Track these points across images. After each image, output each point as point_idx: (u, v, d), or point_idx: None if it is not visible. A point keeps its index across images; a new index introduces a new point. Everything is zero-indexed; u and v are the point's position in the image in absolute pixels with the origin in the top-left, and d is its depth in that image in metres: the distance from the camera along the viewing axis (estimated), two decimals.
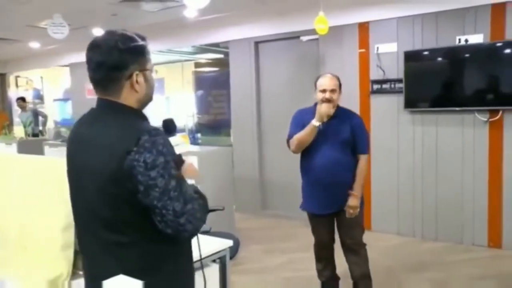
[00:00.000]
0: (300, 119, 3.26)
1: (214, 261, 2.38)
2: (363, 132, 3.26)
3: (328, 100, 3.09)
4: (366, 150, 3.25)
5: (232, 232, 4.49)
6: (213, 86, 7.83)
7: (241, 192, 6.35)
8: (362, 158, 3.22)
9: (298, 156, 5.71)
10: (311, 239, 3.45)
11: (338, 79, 3.24)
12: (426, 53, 4.87)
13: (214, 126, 8.01)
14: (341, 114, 3.20)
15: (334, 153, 3.12)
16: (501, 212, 4.57)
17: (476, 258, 4.41)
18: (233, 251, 3.38)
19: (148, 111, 1.71)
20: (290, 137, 3.28)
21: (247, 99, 6.26)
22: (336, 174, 3.11)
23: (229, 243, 2.37)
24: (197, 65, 9.71)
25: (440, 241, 4.85)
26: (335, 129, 3.13)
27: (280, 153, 6.02)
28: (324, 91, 3.12)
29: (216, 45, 6.73)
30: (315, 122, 3.05)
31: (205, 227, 3.45)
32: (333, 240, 3.37)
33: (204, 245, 2.25)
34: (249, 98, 6.23)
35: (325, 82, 3.16)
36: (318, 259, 3.43)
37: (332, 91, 3.13)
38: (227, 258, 2.38)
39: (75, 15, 5.60)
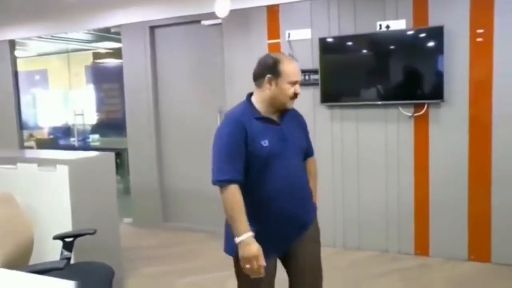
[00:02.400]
0: (239, 137, 2.17)
1: None
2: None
3: (296, 96, 2.25)
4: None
5: (117, 256, 3.77)
6: (107, 79, 6.96)
7: (139, 203, 5.59)
8: (313, 160, 2.55)
9: (201, 163, 5.06)
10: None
11: None
12: (343, 40, 4.41)
13: (112, 126, 7.15)
14: (293, 113, 2.38)
15: (299, 168, 2.33)
16: (428, 217, 4.23)
17: (405, 268, 4.03)
18: (102, 285, 2.66)
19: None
20: (223, 179, 2.17)
21: (142, 93, 5.48)
22: (303, 197, 2.33)
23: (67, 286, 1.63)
24: (96, 55, 8.79)
25: (364, 250, 4.44)
26: (294, 133, 2.31)
27: (182, 156, 5.37)
28: (295, 83, 2.21)
29: (108, 30, 5.88)
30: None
31: (57, 264, 2.69)
32: None
33: None
34: (145, 92, 5.46)
35: (296, 70, 2.24)
36: None
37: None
38: None
39: None
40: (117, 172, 7.42)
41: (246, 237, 2.05)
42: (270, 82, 2.19)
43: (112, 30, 5.77)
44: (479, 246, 4.08)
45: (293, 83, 2.20)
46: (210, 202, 5.21)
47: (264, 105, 2.24)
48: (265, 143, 2.17)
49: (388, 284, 3.73)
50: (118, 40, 5.83)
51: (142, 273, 4.10)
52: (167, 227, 5.42)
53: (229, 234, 2.17)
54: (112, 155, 4.09)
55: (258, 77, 2.23)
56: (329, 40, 4.43)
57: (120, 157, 6.82)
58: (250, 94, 2.30)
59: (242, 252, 2.05)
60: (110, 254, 3.58)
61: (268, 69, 2.19)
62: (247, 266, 2.07)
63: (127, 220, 5.67)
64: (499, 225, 3.99)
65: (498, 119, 3.93)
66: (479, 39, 3.94)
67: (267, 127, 2.22)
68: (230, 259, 2.29)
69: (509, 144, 3.91)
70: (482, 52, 3.94)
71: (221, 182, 2.13)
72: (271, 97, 2.21)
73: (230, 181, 2.12)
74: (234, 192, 2.11)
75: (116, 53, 6.98)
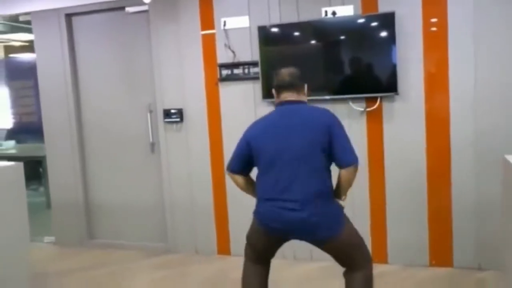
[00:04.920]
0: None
1: None
2: None
3: None
4: None
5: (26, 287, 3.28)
6: (21, 76, 6.29)
7: (61, 219, 5.04)
8: None
9: (131, 171, 4.75)
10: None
11: None
12: (285, 29, 4.08)
13: (29, 130, 6.51)
14: None
15: None
16: (384, 221, 4.01)
17: None
18: None
19: None
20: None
21: (61, 91, 4.91)
22: None
23: None
24: (8, 49, 8.03)
25: (316, 261, 4.13)
26: None
27: (109, 164, 4.89)
28: None
29: (17, 19, 5.25)
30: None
31: None
32: None
33: None
34: (64, 90, 4.90)
35: None
36: None
37: None
38: None
39: None
40: (40, 183, 6.85)
41: None
42: (306, 90, 2.67)
43: (21, 18, 5.16)
44: (441, 250, 3.90)
45: None
46: (141, 215, 4.79)
47: None
48: None
49: None
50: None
51: None
52: (93, 245, 4.93)
53: (338, 213, 2.59)
54: (20, 165, 3.57)
55: (297, 85, 2.63)
56: (270, 28, 4.10)
57: (42, 165, 6.23)
58: (298, 101, 2.62)
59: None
60: (17, 285, 3.11)
61: (303, 80, 2.64)
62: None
63: (49, 238, 5.13)
64: (461, 226, 3.83)
65: (456, 112, 3.74)
66: (433, 29, 3.74)
67: None
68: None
69: (469, 140, 3.73)
70: (436, 42, 3.74)
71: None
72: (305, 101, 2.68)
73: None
74: None
75: (30, 46, 6.39)
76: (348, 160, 2.46)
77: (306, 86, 2.66)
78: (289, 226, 2.48)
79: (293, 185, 2.44)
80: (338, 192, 2.59)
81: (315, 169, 2.45)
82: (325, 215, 2.47)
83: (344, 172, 2.48)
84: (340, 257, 2.61)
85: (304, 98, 2.65)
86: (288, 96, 2.60)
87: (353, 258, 2.58)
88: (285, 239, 2.66)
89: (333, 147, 2.44)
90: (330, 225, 2.48)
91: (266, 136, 2.55)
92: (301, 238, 2.58)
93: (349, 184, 2.54)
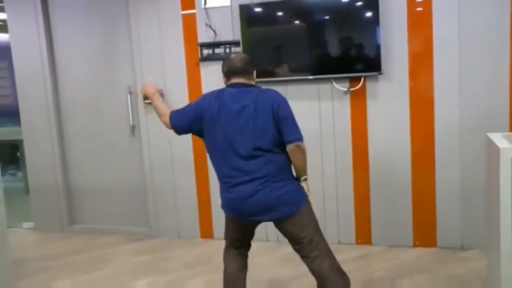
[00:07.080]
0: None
1: None
2: None
3: None
4: None
5: (4, 273, 3.26)
6: None
7: (40, 204, 5.00)
8: None
9: (112, 154, 4.60)
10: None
11: None
12: (268, 7, 4.04)
13: (4, 113, 6.39)
14: None
15: None
16: (368, 202, 4.05)
17: (344, 260, 3.75)
18: None
19: None
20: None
21: (37, 73, 4.82)
22: None
23: None
24: None
25: None
26: None
27: (89, 148, 4.84)
28: None
29: None
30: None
31: None
32: None
33: None
34: (40, 72, 4.82)
35: None
36: None
37: None
38: None
39: None
40: (18, 168, 6.76)
41: None
42: (255, 76, 2.74)
43: None
44: (424, 231, 3.97)
45: None
46: (122, 200, 4.78)
47: None
48: None
49: None
50: None
51: None
52: (74, 230, 4.92)
53: (298, 189, 2.63)
54: None
55: (248, 72, 2.69)
56: (252, 7, 4.06)
57: (20, 150, 6.15)
58: (249, 84, 2.67)
59: (309, 183, 2.69)
60: None
61: (253, 66, 2.73)
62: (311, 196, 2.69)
63: (28, 224, 5.10)
64: (444, 207, 3.89)
65: (441, 93, 3.77)
66: (418, 8, 3.74)
67: None
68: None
69: (453, 119, 3.77)
70: (421, 21, 3.75)
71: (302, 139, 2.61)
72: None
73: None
74: None
75: (5, 26, 6.21)
76: (290, 139, 2.54)
77: (255, 72, 2.73)
78: (252, 206, 2.55)
79: (249, 167, 2.53)
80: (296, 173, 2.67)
81: (272, 149, 2.55)
82: (285, 193, 2.55)
83: (288, 149, 2.56)
84: (299, 237, 2.62)
85: (253, 83, 2.71)
86: (239, 80, 2.66)
87: (312, 240, 2.62)
88: (256, 221, 2.71)
89: (280, 125, 2.54)
90: (290, 201, 2.57)
91: (219, 122, 2.59)
92: (265, 218, 2.62)
93: (298, 162, 2.59)
